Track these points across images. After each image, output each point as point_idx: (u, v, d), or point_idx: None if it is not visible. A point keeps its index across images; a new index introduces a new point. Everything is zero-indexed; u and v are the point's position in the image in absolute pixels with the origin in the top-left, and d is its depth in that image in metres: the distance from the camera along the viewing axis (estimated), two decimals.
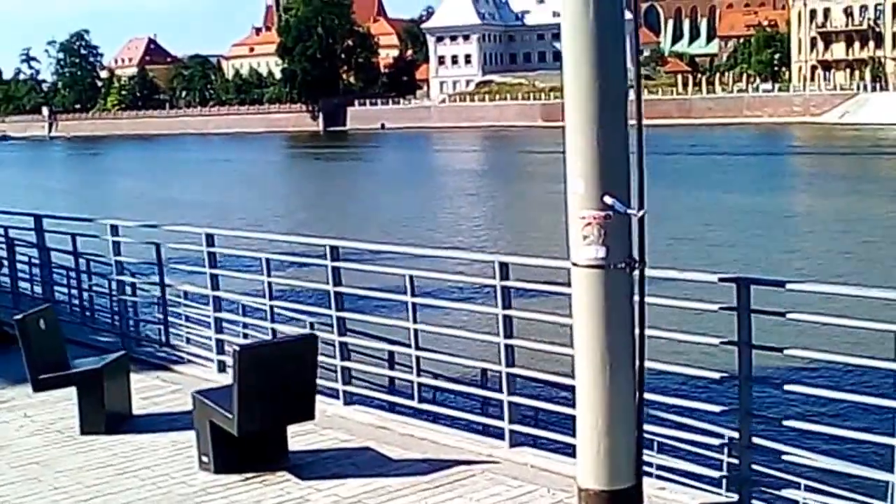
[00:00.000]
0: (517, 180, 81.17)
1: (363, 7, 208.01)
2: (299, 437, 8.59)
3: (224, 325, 11.74)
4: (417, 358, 9.25)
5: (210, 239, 11.23)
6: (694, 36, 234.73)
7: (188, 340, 12.88)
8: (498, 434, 8.55)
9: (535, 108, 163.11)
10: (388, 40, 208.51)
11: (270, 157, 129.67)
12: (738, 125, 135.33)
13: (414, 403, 9.43)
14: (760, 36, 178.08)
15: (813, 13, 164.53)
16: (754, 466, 6.96)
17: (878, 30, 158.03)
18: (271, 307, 10.76)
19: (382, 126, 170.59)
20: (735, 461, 7.20)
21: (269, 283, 10.63)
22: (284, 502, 7.56)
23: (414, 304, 9.09)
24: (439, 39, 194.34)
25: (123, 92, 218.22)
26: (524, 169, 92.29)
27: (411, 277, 9.06)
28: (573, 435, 6.59)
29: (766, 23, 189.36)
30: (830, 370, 18.88)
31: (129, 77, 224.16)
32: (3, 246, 16.34)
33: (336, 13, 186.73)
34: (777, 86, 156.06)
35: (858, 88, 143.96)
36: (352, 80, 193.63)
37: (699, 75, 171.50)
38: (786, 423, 7.07)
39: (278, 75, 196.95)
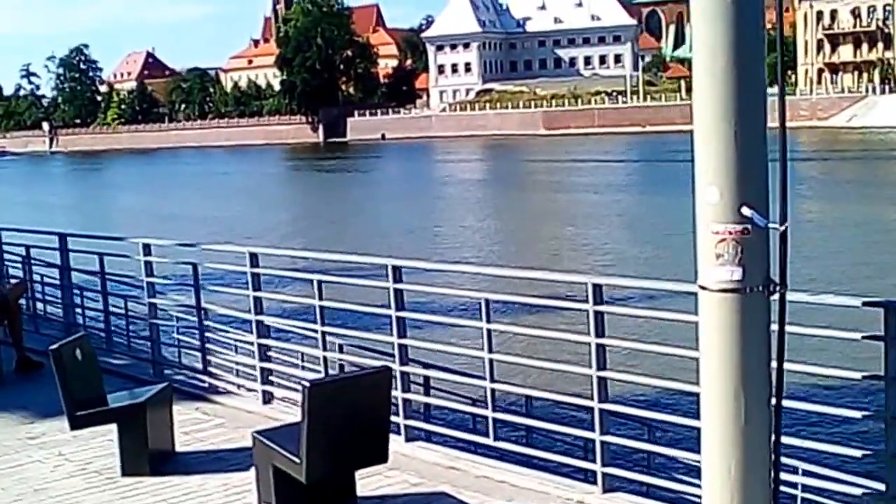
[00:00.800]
0: (523, 190, 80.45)
1: (362, 18, 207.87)
2: (365, 480, 7.86)
3: (269, 352, 10.96)
4: (493, 391, 8.43)
5: (254, 258, 10.45)
6: None
7: (228, 369, 12.12)
8: (589, 478, 7.82)
9: (536, 116, 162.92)
10: (387, 50, 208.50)
11: (271, 169, 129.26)
12: None
13: (489, 441, 8.59)
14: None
15: (820, 15, 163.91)
16: None
17: (886, 31, 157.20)
18: (323, 333, 9.91)
19: (383, 136, 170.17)
20: None
21: (321, 308, 9.80)
22: None
23: (489, 331, 8.29)
24: (439, 48, 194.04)
25: (123, 106, 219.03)
26: (529, 178, 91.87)
27: (487, 301, 8.29)
28: (678, 480, 6.30)
29: (769, 25, 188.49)
30: None
31: (128, 91, 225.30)
32: (18, 265, 15.70)
33: (335, 24, 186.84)
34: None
35: (867, 91, 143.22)
36: (351, 90, 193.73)
37: None
38: None
39: (277, 87, 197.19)
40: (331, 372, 10.02)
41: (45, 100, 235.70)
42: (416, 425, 9.23)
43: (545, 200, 70.08)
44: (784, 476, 6.31)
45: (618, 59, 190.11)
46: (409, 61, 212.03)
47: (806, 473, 7.20)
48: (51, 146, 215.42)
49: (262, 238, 48.30)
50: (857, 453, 6.51)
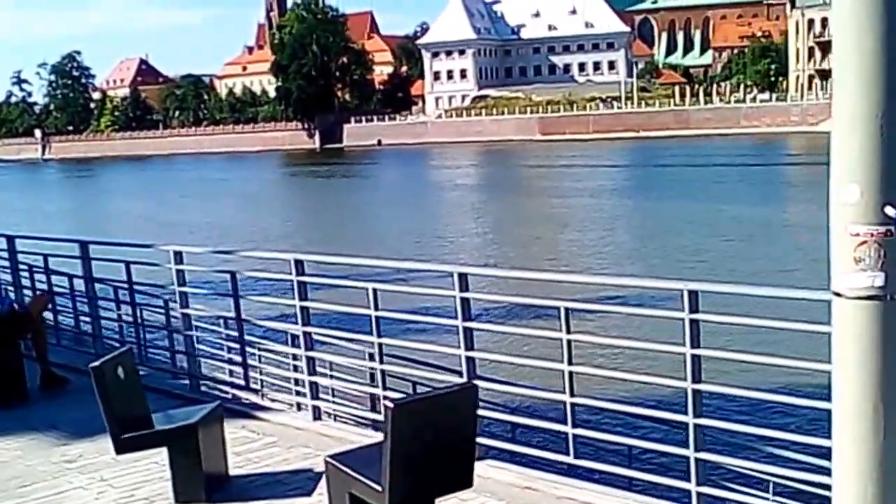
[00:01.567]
0: (523, 195, 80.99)
1: (356, 24, 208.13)
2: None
3: (317, 365, 10.37)
4: (572, 405, 7.90)
5: (300, 266, 9.76)
6: (688, 48, 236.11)
7: (273, 383, 11.65)
8: (682, 498, 7.35)
9: (532, 122, 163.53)
10: (382, 57, 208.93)
11: (269, 175, 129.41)
12: (736, 135, 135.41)
13: (568, 459, 8.05)
14: (756, 47, 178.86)
15: (811, 23, 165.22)
16: None
17: None
18: (379, 345, 9.30)
19: (379, 142, 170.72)
20: None
21: (377, 318, 9.18)
22: None
23: (569, 342, 7.76)
24: (434, 55, 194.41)
25: (116, 113, 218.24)
26: (528, 183, 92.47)
27: (567, 311, 7.72)
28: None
29: (759, 34, 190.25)
30: None
31: (121, 98, 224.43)
32: (29, 274, 14.88)
33: (330, 31, 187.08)
34: (774, 96, 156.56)
35: None
36: (347, 97, 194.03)
37: (695, 86, 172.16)
38: None
39: (272, 94, 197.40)
40: (389, 387, 9.54)
41: (37, 107, 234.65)
42: (488, 443, 8.70)
43: (544, 205, 70.42)
44: None
45: (611, 65, 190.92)
46: (404, 68, 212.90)
47: None
48: (43, 153, 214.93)
49: (270, 243, 48.48)
50: None
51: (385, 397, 9.13)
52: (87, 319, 13.79)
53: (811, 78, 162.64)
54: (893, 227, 4.69)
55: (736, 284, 7.76)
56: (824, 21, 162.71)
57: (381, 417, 8.51)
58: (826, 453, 5.32)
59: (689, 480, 7.24)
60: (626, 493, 7.83)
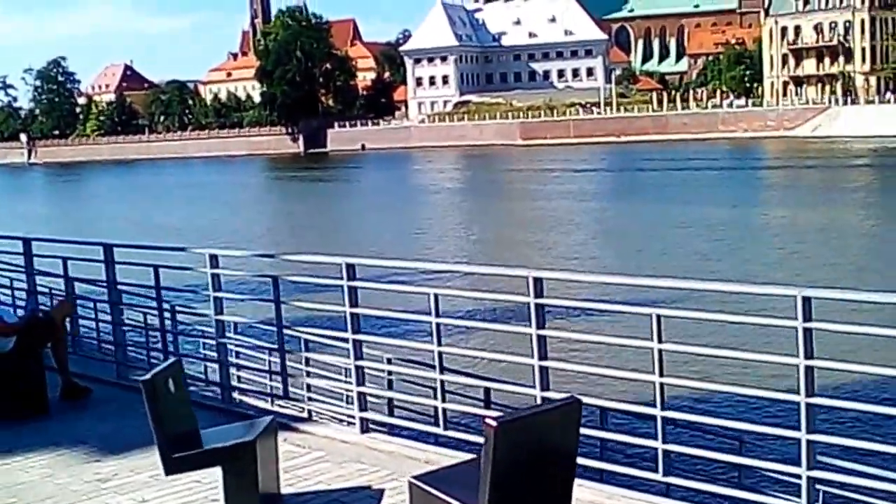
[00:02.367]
0: (505, 199, 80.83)
1: (340, 32, 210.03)
2: None
3: (366, 374, 9.61)
4: (664, 419, 7.34)
5: (351, 270, 8.99)
6: (664, 55, 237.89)
7: (316, 394, 10.61)
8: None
9: (514, 127, 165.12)
10: (365, 63, 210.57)
11: (253, 179, 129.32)
12: (714, 140, 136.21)
13: (658, 476, 7.47)
14: (731, 53, 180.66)
15: (784, 30, 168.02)
16: None
17: (847, 45, 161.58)
18: (440, 355, 8.62)
19: (363, 147, 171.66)
20: None
21: (437, 325, 8.50)
22: None
23: (660, 351, 7.22)
24: (417, 61, 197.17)
25: (102, 118, 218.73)
26: (509, 187, 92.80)
27: (659, 317, 7.17)
28: None
29: (734, 41, 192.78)
30: None
31: (107, 103, 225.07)
32: (41, 279, 13.68)
33: (315, 37, 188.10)
34: (750, 101, 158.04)
35: (830, 102, 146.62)
36: (331, 102, 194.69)
37: (672, 92, 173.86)
38: None
39: (257, 99, 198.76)
40: (451, 398, 9.04)
41: (23, 111, 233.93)
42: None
43: (526, 207, 70.70)
44: None
45: (590, 72, 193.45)
46: (386, 74, 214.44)
47: None
48: (29, 158, 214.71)
49: (254, 245, 46.12)
50: None
51: (447, 410, 8.79)
52: (108, 327, 12.92)
53: (785, 84, 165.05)
54: None
55: (852, 291, 7.85)
56: (797, 28, 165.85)
57: (440, 431, 8.91)
58: None
59: (799, 496, 6.82)
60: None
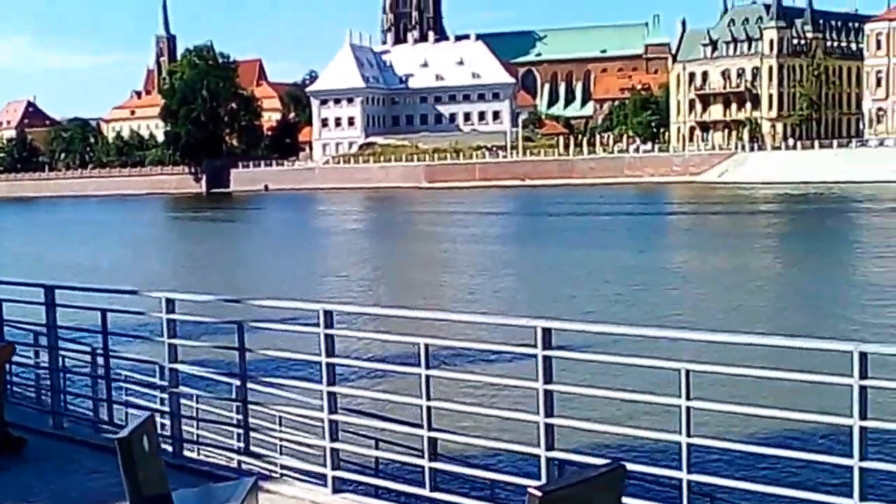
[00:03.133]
0: (409, 240, 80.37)
1: (246, 71, 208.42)
2: None
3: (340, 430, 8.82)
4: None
5: (328, 318, 8.34)
6: (570, 99, 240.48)
7: (282, 449, 10.14)
8: None
9: (419, 170, 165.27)
10: (270, 104, 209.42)
11: (152, 217, 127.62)
12: (620, 185, 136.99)
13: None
14: (637, 99, 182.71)
15: (692, 76, 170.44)
16: None
17: (755, 91, 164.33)
18: (429, 409, 7.90)
19: (266, 187, 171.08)
20: None
21: (427, 377, 7.82)
22: None
23: (688, 409, 6.73)
24: (323, 102, 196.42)
25: (2, 154, 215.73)
26: (415, 229, 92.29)
27: (688, 372, 6.74)
28: None
29: (639, 86, 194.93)
30: None
31: (7, 140, 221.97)
32: None
33: (221, 77, 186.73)
34: (657, 146, 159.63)
35: (736, 148, 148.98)
36: (235, 142, 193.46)
37: (579, 137, 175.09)
38: None
39: (161, 138, 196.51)
40: (441, 458, 8.39)
41: None
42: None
43: (430, 250, 70.19)
44: None
45: (496, 115, 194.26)
46: (292, 115, 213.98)
47: None
48: None
49: (146, 285, 44.66)
50: None
51: (436, 471, 8.06)
52: (47, 374, 11.89)
53: (692, 129, 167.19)
54: None
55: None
56: (705, 74, 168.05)
57: (428, 493, 7.99)
58: None
59: None
60: None
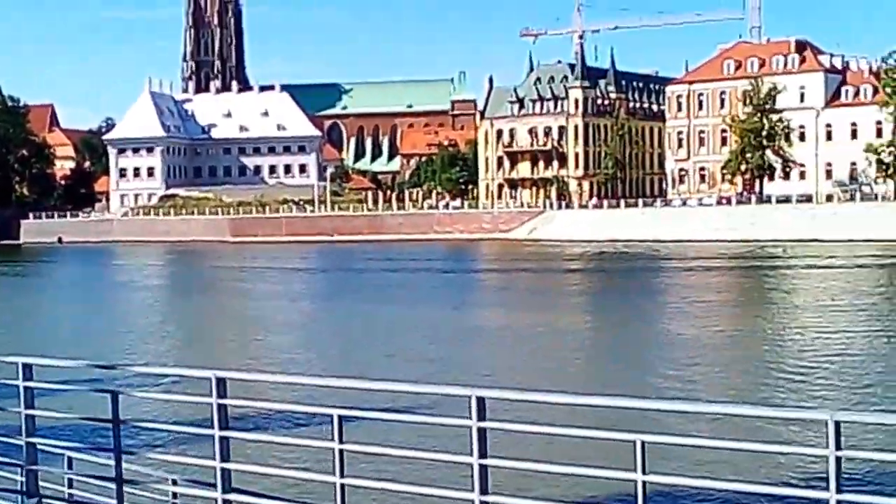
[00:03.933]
0: (210, 296, 78.25)
1: (37, 116, 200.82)
2: None
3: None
4: None
5: (221, 385, 7.58)
6: (376, 153, 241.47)
7: None
8: None
9: (223, 223, 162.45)
10: (64, 151, 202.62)
11: None
12: (430, 241, 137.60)
13: None
14: (445, 154, 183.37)
15: (500, 133, 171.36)
16: None
17: (561, 150, 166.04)
18: (342, 487, 7.32)
19: (60, 240, 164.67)
20: None
21: (341, 451, 7.28)
22: None
23: (644, 483, 6.46)
24: (121, 151, 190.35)
25: None
26: (218, 285, 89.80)
27: (644, 444, 6.39)
28: None
29: (446, 142, 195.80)
30: None
31: None
32: None
33: (10, 121, 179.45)
34: (467, 203, 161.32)
35: (545, 206, 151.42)
36: (26, 191, 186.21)
37: (387, 192, 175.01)
38: None
39: None
40: None
41: None
42: None
43: (231, 307, 68.60)
44: None
45: (303, 168, 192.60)
46: (87, 163, 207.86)
47: None
48: None
49: None
50: None
51: None
52: None
53: (500, 186, 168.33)
54: None
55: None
56: (513, 132, 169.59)
57: None
58: None
59: None
60: None
